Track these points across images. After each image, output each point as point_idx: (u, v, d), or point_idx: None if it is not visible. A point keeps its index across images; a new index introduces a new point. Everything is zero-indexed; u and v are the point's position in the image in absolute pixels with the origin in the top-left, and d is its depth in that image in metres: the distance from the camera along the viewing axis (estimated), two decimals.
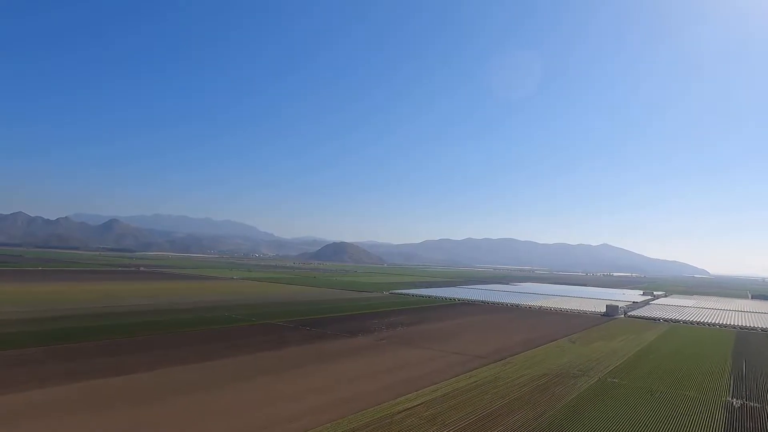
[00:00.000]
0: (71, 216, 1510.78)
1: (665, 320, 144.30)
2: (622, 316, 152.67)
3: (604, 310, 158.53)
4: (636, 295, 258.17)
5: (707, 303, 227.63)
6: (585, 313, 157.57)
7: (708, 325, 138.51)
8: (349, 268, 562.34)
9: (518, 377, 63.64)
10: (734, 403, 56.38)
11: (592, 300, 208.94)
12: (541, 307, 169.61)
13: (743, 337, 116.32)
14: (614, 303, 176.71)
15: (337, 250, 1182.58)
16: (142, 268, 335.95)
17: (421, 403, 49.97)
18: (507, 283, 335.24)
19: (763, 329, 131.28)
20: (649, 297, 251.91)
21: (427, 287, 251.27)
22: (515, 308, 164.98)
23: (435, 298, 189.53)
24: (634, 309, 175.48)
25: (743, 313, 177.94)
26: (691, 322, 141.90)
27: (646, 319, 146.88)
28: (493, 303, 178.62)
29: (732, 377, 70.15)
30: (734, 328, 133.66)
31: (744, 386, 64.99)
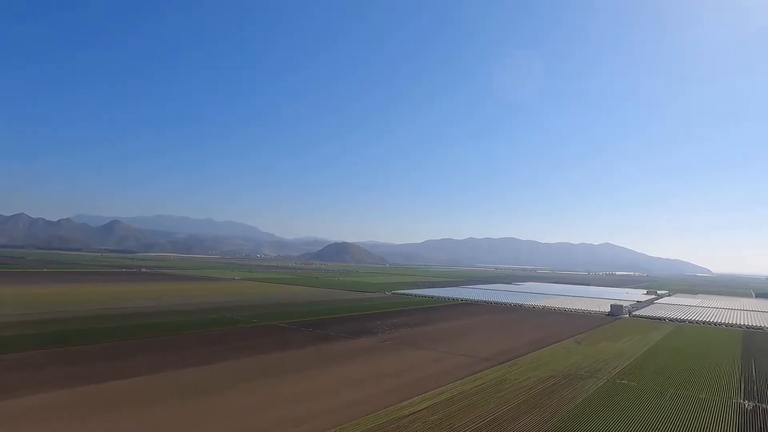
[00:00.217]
0: (73, 217, 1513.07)
1: (670, 320, 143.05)
2: (627, 315, 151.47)
3: (608, 309, 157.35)
4: (639, 295, 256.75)
5: (712, 302, 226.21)
6: (589, 312, 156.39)
7: (714, 324, 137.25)
8: (351, 269, 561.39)
9: (525, 379, 62.61)
10: (746, 405, 55.27)
11: (595, 299, 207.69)
12: (544, 307, 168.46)
13: (750, 336, 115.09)
14: (618, 303, 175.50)
15: (339, 250, 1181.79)
16: (143, 269, 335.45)
17: (427, 407, 48.98)
18: (509, 283, 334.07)
19: None
20: (653, 296, 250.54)
21: (429, 287, 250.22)
22: (519, 308, 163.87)
23: (438, 298, 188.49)
24: (638, 309, 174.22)
25: (748, 313, 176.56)
26: (697, 322, 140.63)
27: (651, 318, 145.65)
28: (497, 303, 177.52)
29: (742, 378, 69.00)
30: (740, 327, 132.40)
31: (755, 388, 63.88)
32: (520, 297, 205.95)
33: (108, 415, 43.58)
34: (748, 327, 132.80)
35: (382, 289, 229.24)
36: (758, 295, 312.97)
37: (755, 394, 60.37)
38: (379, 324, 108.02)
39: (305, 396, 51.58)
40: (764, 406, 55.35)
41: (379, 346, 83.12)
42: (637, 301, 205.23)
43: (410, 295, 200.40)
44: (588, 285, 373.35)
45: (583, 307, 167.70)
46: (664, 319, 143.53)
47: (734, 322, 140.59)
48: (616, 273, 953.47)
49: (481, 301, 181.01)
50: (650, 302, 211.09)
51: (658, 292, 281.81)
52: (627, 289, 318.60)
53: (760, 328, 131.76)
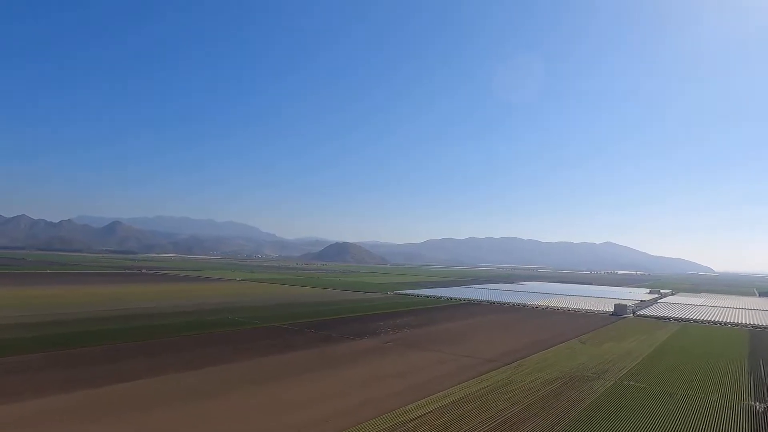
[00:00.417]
0: (74, 218, 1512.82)
1: (675, 319, 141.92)
2: (631, 315, 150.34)
3: (612, 309, 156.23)
4: (643, 294, 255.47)
5: (715, 301, 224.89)
6: (593, 312, 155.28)
7: (719, 324, 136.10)
8: (352, 269, 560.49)
9: (531, 381, 61.60)
10: (757, 407, 54.22)
11: (599, 299, 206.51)
12: (548, 306, 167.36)
13: (756, 336, 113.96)
14: (622, 302, 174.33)
15: (340, 250, 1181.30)
16: (144, 270, 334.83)
17: (433, 410, 48.01)
18: (512, 283, 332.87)
19: None
20: (657, 295, 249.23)
21: (431, 287, 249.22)
22: (522, 308, 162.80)
23: (440, 298, 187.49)
24: (642, 308, 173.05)
25: (753, 312, 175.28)
26: (702, 321, 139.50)
27: (655, 318, 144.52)
28: (500, 303, 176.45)
29: (751, 379, 67.94)
30: (746, 327, 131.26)
31: (765, 389, 62.81)
32: (522, 297, 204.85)
33: (108, 418, 42.69)
34: (753, 326, 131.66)
35: (384, 289, 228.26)
36: (762, 294, 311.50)
37: (766, 396, 59.30)
38: (381, 325, 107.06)
39: (308, 399, 50.63)
40: None
41: (383, 347, 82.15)
42: (641, 301, 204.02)
43: (412, 295, 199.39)
44: (590, 284, 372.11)
45: (587, 307, 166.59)
46: (669, 319, 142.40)
47: (739, 322, 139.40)
48: (618, 272, 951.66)
49: (484, 301, 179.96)
50: (654, 301, 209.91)
51: (661, 291, 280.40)
52: (630, 289, 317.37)
53: (766, 327, 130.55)
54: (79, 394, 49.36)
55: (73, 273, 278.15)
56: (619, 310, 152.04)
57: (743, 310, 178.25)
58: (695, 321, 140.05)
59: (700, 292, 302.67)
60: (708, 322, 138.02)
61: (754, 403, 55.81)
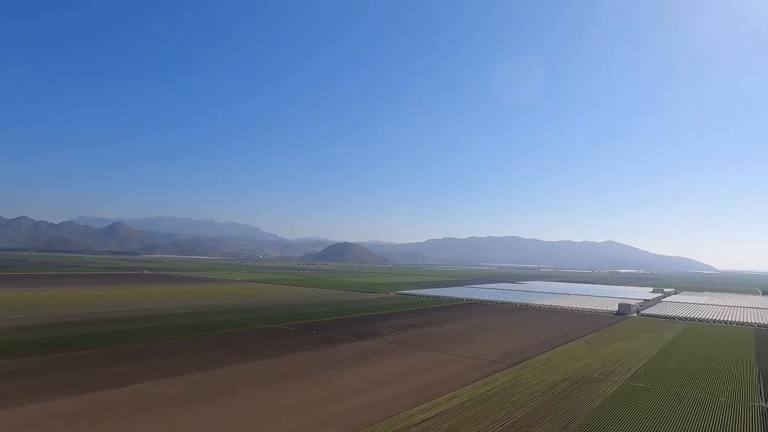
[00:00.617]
0: (75, 220, 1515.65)
1: (680, 318, 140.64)
2: (635, 314, 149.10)
3: (616, 308, 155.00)
4: (646, 293, 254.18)
5: (719, 300, 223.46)
6: (597, 312, 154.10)
7: (725, 323, 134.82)
8: (354, 269, 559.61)
9: (537, 383, 60.47)
10: None
11: (602, 298, 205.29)
12: (551, 306, 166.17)
13: (763, 335, 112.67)
14: (626, 301, 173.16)
15: (341, 250, 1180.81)
16: (145, 271, 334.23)
17: (438, 414, 46.90)
18: (514, 282, 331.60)
19: None
20: (660, 294, 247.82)
21: (433, 287, 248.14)
22: (525, 308, 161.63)
23: (442, 298, 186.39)
24: (646, 307, 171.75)
25: (758, 310, 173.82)
26: (707, 321, 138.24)
27: (660, 317, 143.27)
28: (502, 303, 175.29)
29: (761, 380, 66.76)
30: (752, 326, 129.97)
31: None
32: (525, 296, 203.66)
33: (109, 423, 41.65)
34: (759, 325, 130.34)
35: (386, 289, 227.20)
36: (765, 293, 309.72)
37: None
38: (384, 325, 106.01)
39: (311, 402, 49.57)
40: None
41: (386, 348, 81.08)
42: (645, 300, 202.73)
43: (414, 295, 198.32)
44: (593, 283, 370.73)
45: (590, 306, 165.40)
46: (674, 318, 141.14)
47: (744, 321, 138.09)
48: (620, 271, 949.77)
49: (487, 301, 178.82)
50: (657, 300, 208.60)
51: (665, 290, 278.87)
52: (633, 288, 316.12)
53: None
54: (79, 399, 48.34)
55: (74, 274, 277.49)
56: (624, 310, 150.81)
57: (747, 309, 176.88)
58: (700, 320, 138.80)
59: (703, 291, 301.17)
60: (713, 322, 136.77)
61: (766, 404, 54.64)
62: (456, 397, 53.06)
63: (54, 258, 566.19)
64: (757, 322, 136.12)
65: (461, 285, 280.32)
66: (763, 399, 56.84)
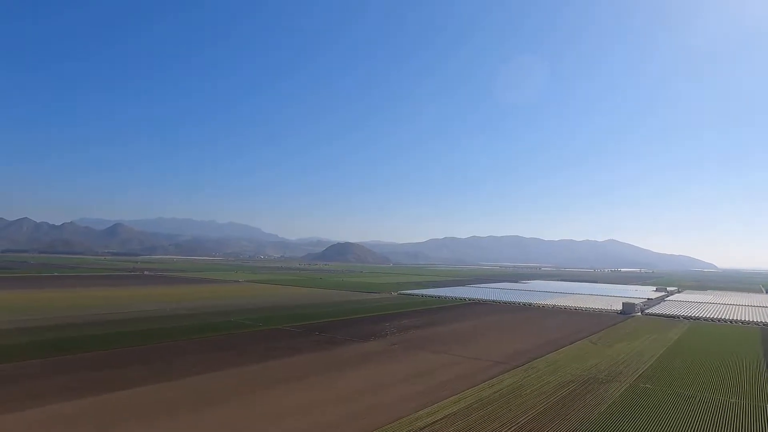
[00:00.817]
0: (76, 221, 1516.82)
1: (685, 318, 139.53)
2: (640, 314, 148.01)
3: (620, 307, 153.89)
4: (649, 292, 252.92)
5: (723, 298, 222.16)
6: (601, 311, 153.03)
7: (730, 322, 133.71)
8: (355, 269, 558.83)
9: (543, 384, 59.52)
10: None
11: (605, 297, 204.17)
12: (554, 305, 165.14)
13: None
14: (630, 300, 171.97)
15: (342, 250, 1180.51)
16: (146, 272, 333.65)
17: (444, 417, 45.97)
18: (516, 281, 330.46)
19: None
20: (663, 293, 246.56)
21: (435, 287, 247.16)
22: (528, 307, 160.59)
23: (445, 298, 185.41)
24: (650, 306, 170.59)
25: (763, 309, 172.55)
26: (712, 320, 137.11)
27: (665, 316, 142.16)
28: (505, 302, 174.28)
29: None
30: (757, 324, 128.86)
31: None
32: (528, 296, 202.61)
33: (108, 428, 40.80)
34: (765, 324, 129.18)
35: (388, 289, 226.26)
36: None
37: None
38: (387, 326, 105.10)
39: (314, 405, 48.66)
40: None
41: (389, 349, 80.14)
42: (648, 299, 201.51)
43: (417, 295, 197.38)
44: (595, 282, 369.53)
45: (594, 306, 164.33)
46: (678, 317, 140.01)
47: (750, 320, 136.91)
48: (621, 269, 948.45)
49: (489, 301, 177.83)
50: (661, 299, 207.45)
51: (668, 288, 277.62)
52: (635, 286, 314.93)
53: None
54: (80, 402, 47.52)
55: (75, 276, 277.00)
56: (628, 309, 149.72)
57: (752, 308, 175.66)
58: (705, 319, 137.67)
59: (706, 290, 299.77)
60: (718, 321, 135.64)
61: None
62: (462, 399, 52.13)
63: (55, 259, 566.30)
64: (763, 321, 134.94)
65: (463, 285, 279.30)
66: None
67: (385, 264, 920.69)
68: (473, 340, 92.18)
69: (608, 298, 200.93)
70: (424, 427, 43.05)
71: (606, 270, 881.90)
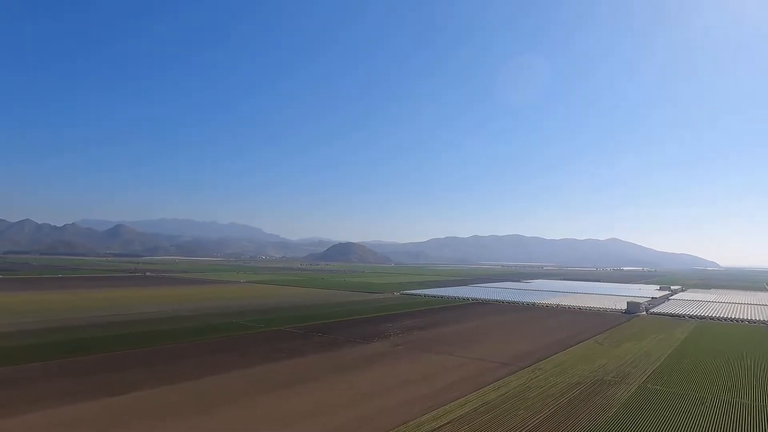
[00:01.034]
0: (78, 222, 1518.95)
1: (691, 317, 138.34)
2: (645, 313, 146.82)
3: (625, 307, 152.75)
4: (653, 291, 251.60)
5: (727, 297, 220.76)
6: (605, 310, 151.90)
7: (736, 321, 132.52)
8: (357, 269, 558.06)
9: (550, 386, 58.52)
10: None
11: (609, 296, 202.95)
12: (558, 305, 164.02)
13: None
14: (635, 299, 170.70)
15: (344, 250, 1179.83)
16: (148, 273, 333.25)
17: (449, 422, 45.01)
18: (518, 281, 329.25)
19: None
20: (667, 292, 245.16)
21: (437, 287, 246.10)
22: (532, 307, 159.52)
23: (448, 298, 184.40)
24: (655, 305, 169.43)
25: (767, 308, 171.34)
26: (718, 318, 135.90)
27: (670, 316, 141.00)
28: (508, 302, 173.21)
29: None
30: (764, 323, 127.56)
31: None
32: (531, 295, 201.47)
33: None
34: None
35: (390, 289, 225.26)
36: None
37: None
38: (390, 327, 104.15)
39: (316, 409, 47.76)
40: None
41: (392, 351, 79.20)
42: (652, 298, 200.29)
43: (419, 295, 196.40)
44: (598, 281, 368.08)
45: (598, 305, 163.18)
46: (684, 316, 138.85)
47: (756, 318, 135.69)
48: (624, 268, 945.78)
49: (493, 301, 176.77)
50: (665, 298, 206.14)
51: (672, 287, 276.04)
52: (639, 285, 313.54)
53: None
54: (81, 407, 46.70)
55: (77, 277, 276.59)
56: (632, 308, 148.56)
57: (758, 306, 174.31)
58: (711, 318, 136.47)
59: (710, 288, 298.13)
60: (725, 320, 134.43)
61: None
62: (468, 402, 51.16)
63: (57, 261, 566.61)
64: None
65: (466, 284, 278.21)
66: None
67: (386, 264, 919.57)
68: (477, 340, 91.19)
69: (612, 297, 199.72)
70: (430, 431, 42.15)
71: (608, 269, 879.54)
